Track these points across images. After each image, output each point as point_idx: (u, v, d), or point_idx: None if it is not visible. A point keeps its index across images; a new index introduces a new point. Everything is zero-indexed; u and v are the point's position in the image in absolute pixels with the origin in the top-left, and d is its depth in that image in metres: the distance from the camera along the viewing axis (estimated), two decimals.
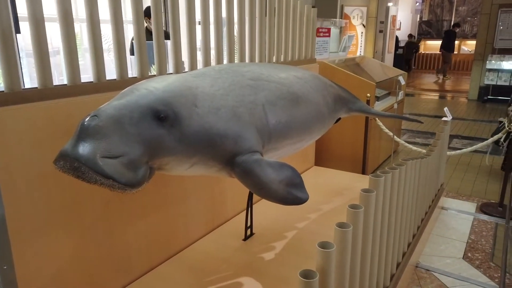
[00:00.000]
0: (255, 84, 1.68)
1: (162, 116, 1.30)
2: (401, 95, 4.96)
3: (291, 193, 1.57)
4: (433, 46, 16.44)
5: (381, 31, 10.27)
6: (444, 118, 3.25)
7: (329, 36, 4.38)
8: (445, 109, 3.26)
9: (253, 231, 2.66)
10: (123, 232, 2.04)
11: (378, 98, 4.63)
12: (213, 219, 2.69)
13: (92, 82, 1.73)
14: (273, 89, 1.74)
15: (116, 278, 2.04)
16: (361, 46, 9.85)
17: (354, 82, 3.98)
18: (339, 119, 2.64)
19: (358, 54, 9.78)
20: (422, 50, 16.72)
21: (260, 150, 1.55)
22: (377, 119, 3.77)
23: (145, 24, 2.54)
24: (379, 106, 4.31)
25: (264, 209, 3.03)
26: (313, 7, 9.83)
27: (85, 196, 1.78)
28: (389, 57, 11.62)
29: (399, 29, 15.29)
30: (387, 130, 3.72)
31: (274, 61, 3.21)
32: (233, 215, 2.85)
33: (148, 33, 2.38)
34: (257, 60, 3.03)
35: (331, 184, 3.49)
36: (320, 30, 4.17)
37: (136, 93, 1.33)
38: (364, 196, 1.57)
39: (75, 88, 1.63)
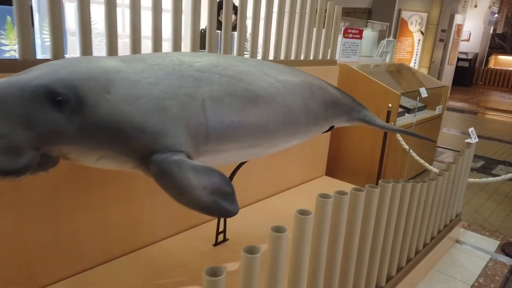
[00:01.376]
0: (200, 76, 1.49)
1: (60, 99, 1.16)
2: (439, 109, 4.50)
3: (217, 203, 1.37)
4: (505, 61, 15.11)
5: (441, 40, 9.54)
6: (468, 140, 2.85)
7: (360, 38, 4.06)
8: (471, 129, 2.85)
9: (227, 237, 2.48)
10: (73, 220, 1.95)
11: (409, 110, 4.23)
12: (186, 219, 2.54)
13: None
14: (224, 84, 1.54)
15: (60, 268, 1.96)
16: (416, 55, 9.22)
17: (377, 90, 3.65)
18: (332, 127, 2.38)
19: (412, 62, 9.18)
20: (492, 65, 15.44)
21: (187, 150, 1.37)
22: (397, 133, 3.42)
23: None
24: (403, 120, 3.92)
25: (251, 214, 2.84)
26: (369, 9, 9.32)
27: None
28: (449, 69, 10.79)
29: (468, 40, 14.22)
30: (403, 143, 3.35)
31: (282, 59, 3.00)
32: (212, 218, 2.69)
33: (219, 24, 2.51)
34: (263, 57, 2.84)
35: None
36: (349, 31, 3.86)
37: (39, 70, 1.21)
38: (298, 218, 1.33)
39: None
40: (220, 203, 1.38)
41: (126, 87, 1.28)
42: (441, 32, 9.38)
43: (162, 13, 2.11)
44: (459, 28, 10.47)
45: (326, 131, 2.39)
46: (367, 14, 9.33)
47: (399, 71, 4.83)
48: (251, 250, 1.17)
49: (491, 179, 3.27)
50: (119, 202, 2.10)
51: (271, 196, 3.20)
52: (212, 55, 1.76)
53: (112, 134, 1.24)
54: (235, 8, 2.65)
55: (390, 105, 3.38)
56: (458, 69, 13.31)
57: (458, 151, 2.76)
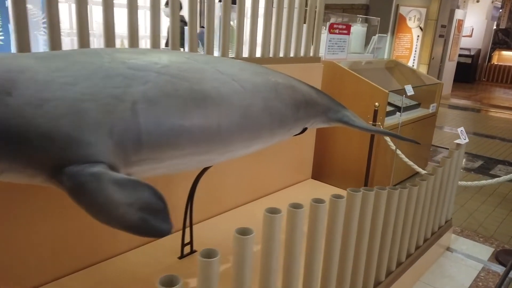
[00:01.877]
0: (133, 75, 1.31)
1: None
2: (433, 107, 4.29)
3: (146, 221, 1.19)
4: (509, 57, 14.80)
5: (441, 36, 9.30)
6: (457, 141, 2.65)
7: (348, 34, 3.86)
8: (460, 129, 2.65)
9: (195, 249, 2.30)
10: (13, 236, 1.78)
11: (400, 109, 4.03)
12: None
13: None
14: (161, 84, 1.36)
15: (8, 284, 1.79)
16: (415, 51, 8.99)
17: (364, 89, 3.45)
18: (305, 129, 2.19)
19: (411, 59, 8.96)
20: (495, 61, 15.13)
21: (110, 161, 1.19)
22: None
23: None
24: (393, 120, 3.72)
25: (224, 222, 2.66)
26: (367, 5, 9.08)
27: None
28: (450, 66, 10.55)
29: (470, 36, 13.94)
30: (391, 144, 3.15)
31: (258, 57, 2.81)
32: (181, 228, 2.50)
33: None
34: (236, 55, 2.66)
35: None
36: (335, 26, 3.67)
37: None
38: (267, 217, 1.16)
39: None
40: (149, 221, 1.20)
41: (33, 88, 1.11)
42: (440, 28, 9.14)
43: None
44: (460, 23, 10.22)
45: (299, 133, 2.20)
46: (364, 10, 9.12)
47: (391, 68, 4.63)
48: (208, 254, 1.13)
49: (484, 182, 3.06)
50: (69, 212, 1.93)
51: (250, 202, 3.02)
52: (159, 52, 1.58)
53: (13, 144, 1.07)
54: None
55: (377, 104, 3.18)
56: (460, 66, 13.04)
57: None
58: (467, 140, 2.65)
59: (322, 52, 3.70)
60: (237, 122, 1.60)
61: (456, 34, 10.15)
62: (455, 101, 10.09)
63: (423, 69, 9.10)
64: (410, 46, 8.94)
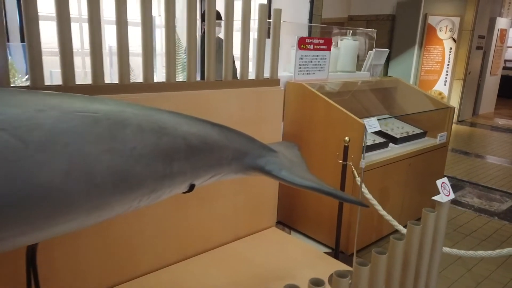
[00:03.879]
0: None
1: None
2: (441, 137, 3.48)
3: None
4: None
5: (479, 48, 8.25)
6: (436, 197, 1.91)
7: (328, 49, 3.19)
8: (440, 182, 1.91)
9: None
10: None
11: (396, 140, 3.27)
12: None
13: None
14: None
15: None
16: (448, 65, 8.01)
17: (336, 117, 2.75)
18: (193, 186, 1.56)
19: (443, 74, 8.00)
20: None
21: None
22: (355, 173, 2.50)
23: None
24: (383, 154, 2.96)
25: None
26: (393, 16, 8.20)
27: None
28: (492, 81, 9.38)
29: None
30: (366, 192, 2.43)
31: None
32: None
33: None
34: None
35: (273, 261, 2.40)
36: (307, 40, 3.01)
37: None
38: None
39: None
40: None
41: None
42: (478, 39, 8.11)
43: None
44: (503, 33, 9.08)
45: (187, 192, 1.59)
46: (390, 21, 8.31)
47: (393, 89, 3.87)
48: None
49: (483, 252, 2.26)
50: None
51: (192, 257, 2.44)
52: None
53: None
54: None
55: (347, 138, 2.48)
56: (507, 80, 11.71)
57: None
58: (451, 196, 1.90)
59: (291, 73, 3.06)
60: (44, 181, 1.02)
61: (498, 45, 9.02)
62: (499, 121, 8.90)
63: (457, 85, 8.10)
64: (442, 60, 7.98)
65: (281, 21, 2.61)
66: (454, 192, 4.36)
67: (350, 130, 2.65)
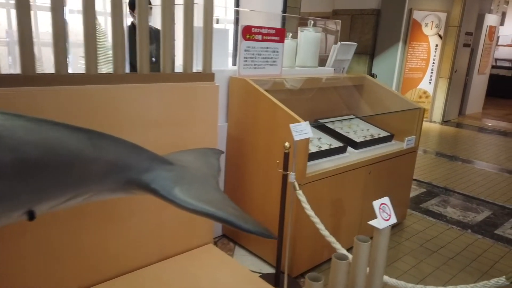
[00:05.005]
0: None
1: None
2: (408, 141, 3.12)
3: None
4: None
5: (467, 45, 7.91)
6: (372, 222, 1.55)
7: (281, 41, 2.81)
8: (379, 203, 1.55)
9: None
10: None
11: (355, 144, 2.91)
12: None
13: None
14: None
15: None
16: (433, 63, 7.66)
17: (281, 119, 2.38)
18: (32, 213, 1.19)
19: (428, 72, 7.66)
20: None
21: None
22: (296, 185, 2.13)
23: None
24: (340, 160, 2.59)
25: None
26: (378, 10, 7.79)
27: None
28: (480, 80, 9.05)
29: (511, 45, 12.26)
30: (308, 208, 2.07)
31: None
32: None
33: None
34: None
35: (195, 285, 2.05)
36: (254, 30, 2.64)
37: None
38: None
39: None
40: None
41: None
42: (465, 36, 7.76)
43: None
44: (492, 30, 8.74)
45: (30, 219, 1.21)
46: (375, 16, 7.94)
47: (359, 86, 3.51)
48: None
49: None
50: None
51: (119, 276, 2.09)
52: None
53: None
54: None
55: (287, 144, 2.11)
56: (497, 79, 11.42)
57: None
58: (392, 220, 1.54)
59: (235, 66, 2.69)
60: None
61: (487, 43, 8.68)
62: (486, 121, 8.58)
63: (443, 84, 7.76)
64: (427, 57, 7.63)
65: (248, 10, 2.24)
66: (427, 200, 4.04)
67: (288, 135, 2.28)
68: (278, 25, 4.66)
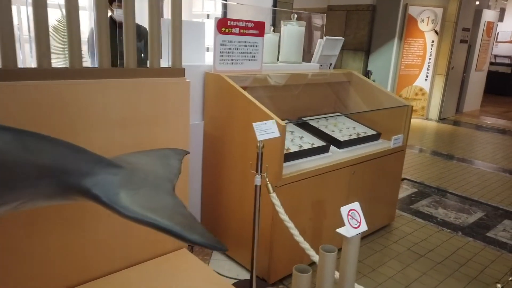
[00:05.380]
0: None
1: None
2: (396, 140, 2.99)
3: None
4: None
5: (464, 41, 7.75)
6: (340, 230, 1.41)
7: (260, 35, 2.68)
8: (347, 209, 1.42)
9: None
10: None
11: (338, 143, 2.78)
12: None
13: None
14: None
15: None
16: (430, 59, 7.51)
17: (256, 117, 2.25)
18: None
19: (425, 69, 7.51)
20: None
21: None
22: (270, 187, 2.00)
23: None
24: (319, 161, 2.46)
25: None
26: (373, 6, 7.64)
27: None
28: (478, 77, 8.90)
29: (511, 41, 12.10)
30: (282, 212, 1.94)
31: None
32: None
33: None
34: None
35: None
36: (230, 23, 2.50)
37: None
38: None
39: None
40: None
41: None
42: (462, 31, 7.61)
43: None
44: (490, 26, 8.58)
45: None
46: (370, 12, 7.79)
47: (345, 83, 3.37)
48: None
49: None
50: None
51: (83, 284, 1.97)
52: None
53: None
54: None
55: (260, 143, 1.97)
56: (497, 76, 11.26)
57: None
58: (362, 228, 1.41)
59: (210, 61, 2.55)
60: None
61: (485, 39, 8.52)
62: (484, 119, 8.42)
63: (440, 81, 7.61)
64: (423, 54, 7.48)
65: (235, 3, 2.11)
66: (418, 200, 3.89)
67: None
68: (268, 20, 4.52)
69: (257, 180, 1.89)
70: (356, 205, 1.45)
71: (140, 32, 2.68)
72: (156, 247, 2.35)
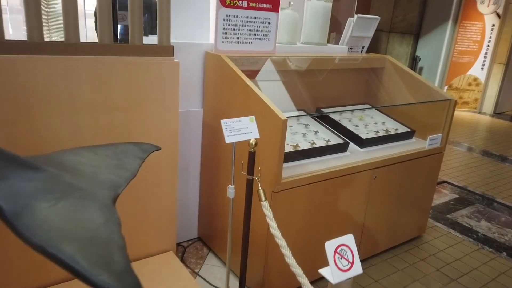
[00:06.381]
0: None
1: None
2: (432, 140, 2.52)
3: None
4: None
5: None
6: (322, 271, 1.04)
7: (275, 10, 2.29)
8: (334, 244, 1.04)
9: None
10: None
11: (360, 142, 2.37)
12: None
13: None
14: None
15: None
16: (488, 46, 6.69)
17: (256, 107, 1.89)
18: None
19: (481, 56, 6.73)
20: None
21: None
22: (262, 195, 1.65)
23: None
24: (338, 160, 2.06)
25: None
26: None
27: None
28: None
29: None
30: (273, 226, 1.61)
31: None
32: None
33: None
34: None
35: None
36: None
37: None
38: None
39: None
40: None
41: None
42: None
43: None
44: None
45: None
46: None
47: (379, 70, 2.90)
48: None
49: None
50: None
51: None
52: None
53: None
54: None
55: (252, 141, 1.62)
56: None
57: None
58: (355, 271, 1.03)
59: (212, 40, 2.20)
60: None
61: None
62: None
63: (498, 71, 6.79)
64: (481, 39, 6.67)
65: None
66: (457, 209, 3.37)
67: (269, 128, 1.78)
68: None
69: (230, 192, 1.54)
70: (348, 239, 1.07)
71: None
72: (140, 249, 2.09)
